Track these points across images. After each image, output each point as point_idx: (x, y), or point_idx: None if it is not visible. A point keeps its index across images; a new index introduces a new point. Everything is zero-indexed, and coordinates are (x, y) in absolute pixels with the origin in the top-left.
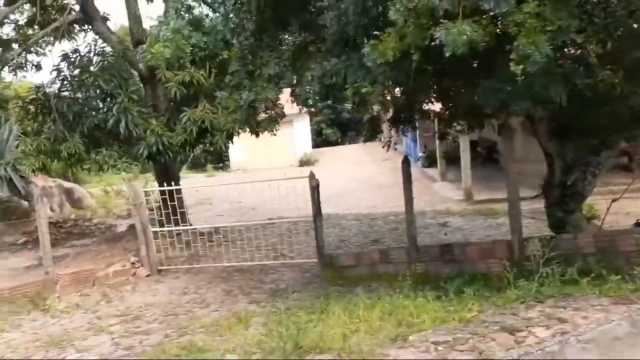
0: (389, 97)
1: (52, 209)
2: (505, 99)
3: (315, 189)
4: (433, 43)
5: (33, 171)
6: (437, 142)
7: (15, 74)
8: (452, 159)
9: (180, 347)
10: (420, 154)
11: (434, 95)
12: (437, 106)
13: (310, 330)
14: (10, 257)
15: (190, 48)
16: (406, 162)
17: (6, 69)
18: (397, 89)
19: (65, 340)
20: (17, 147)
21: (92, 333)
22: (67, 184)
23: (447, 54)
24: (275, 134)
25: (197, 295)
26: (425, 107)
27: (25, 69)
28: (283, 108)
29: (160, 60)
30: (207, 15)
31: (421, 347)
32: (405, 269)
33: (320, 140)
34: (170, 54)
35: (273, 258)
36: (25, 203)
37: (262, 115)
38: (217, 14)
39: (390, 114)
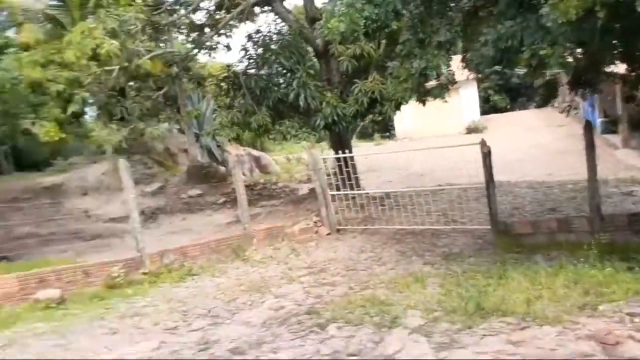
0: (570, 59)
1: (243, 174)
2: None
3: (487, 155)
4: None
5: (229, 140)
6: (619, 106)
7: (209, 55)
8: (636, 125)
9: (364, 299)
10: (599, 120)
11: (619, 56)
12: (621, 67)
13: (491, 294)
14: (213, 214)
15: (364, 21)
16: (588, 128)
17: (201, 50)
18: (578, 50)
19: (264, 287)
20: (214, 119)
21: (285, 282)
22: (255, 152)
23: None
24: (446, 101)
25: (374, 254)
26: (609, 68)
27: (215, 50)
28: (454, 74)
29: (336, 35)
30: None
31: (614, 318)
32: (588, 238)
33: (488, 107)
34: (345, 27)
35: (444, 223)
36: (222, 168)
37: (431, 84)
38: None
39: (569, 77)
